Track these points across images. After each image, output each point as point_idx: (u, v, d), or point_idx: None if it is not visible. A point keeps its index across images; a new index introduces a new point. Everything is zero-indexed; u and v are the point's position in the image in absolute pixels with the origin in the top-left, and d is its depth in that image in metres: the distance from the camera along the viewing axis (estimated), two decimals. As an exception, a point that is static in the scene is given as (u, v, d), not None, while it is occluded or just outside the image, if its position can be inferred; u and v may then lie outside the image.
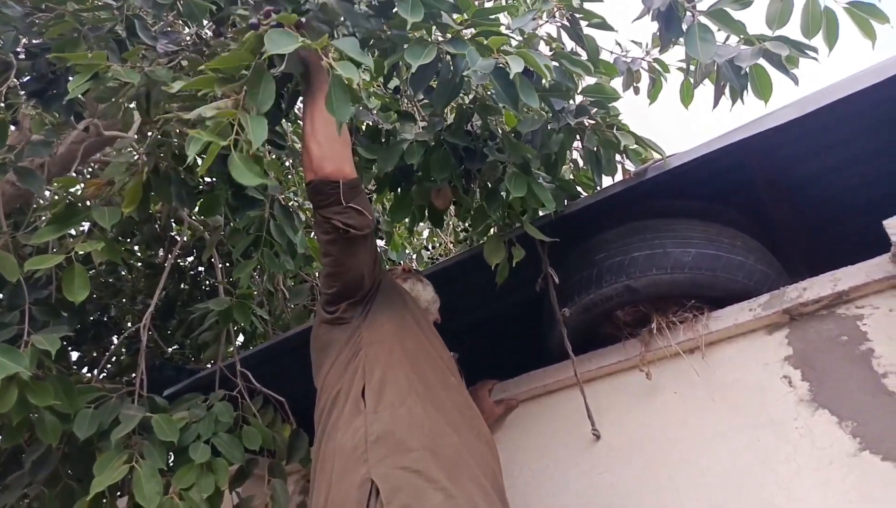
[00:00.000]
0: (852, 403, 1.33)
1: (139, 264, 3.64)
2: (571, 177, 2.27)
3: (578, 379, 1.65)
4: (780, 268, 1.66)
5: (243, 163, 1.26)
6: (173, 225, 3.38)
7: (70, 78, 1.73)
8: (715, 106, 1.99)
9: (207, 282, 3.78)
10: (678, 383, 1.56)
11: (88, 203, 1.94)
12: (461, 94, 2.07)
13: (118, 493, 1.85)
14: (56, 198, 1.99)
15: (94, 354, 3.23)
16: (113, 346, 2.24)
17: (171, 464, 1.79)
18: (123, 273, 3.70)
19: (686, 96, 2.14)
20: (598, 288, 1.63)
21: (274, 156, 2.51)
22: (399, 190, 1.87)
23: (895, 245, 1.31)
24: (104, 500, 1.70)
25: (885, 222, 1.30)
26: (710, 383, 1.52)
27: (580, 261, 1.72)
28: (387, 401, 1.32)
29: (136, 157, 1.98)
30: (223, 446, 1.83)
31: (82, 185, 1.98)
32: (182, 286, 3.71)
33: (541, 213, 1.86)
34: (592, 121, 1.82)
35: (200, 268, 3.82)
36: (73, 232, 2.03)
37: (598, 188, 1.88)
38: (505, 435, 1.79)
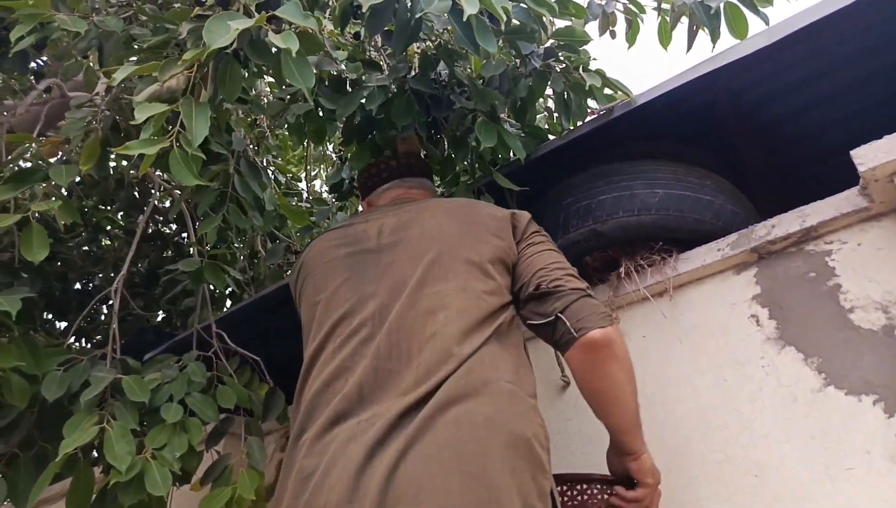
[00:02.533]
0: (818, 339, 1.31)
1: (120, 232, 3.61)
2: (546, 126, 2.22)
3: (548, 326, 1.63)
4: (751, 208, 1.63)
5: (182, 161, 1.24)
6: (152, 191, 3.33)
7: (20, 34, 1.67)
8: (689, 48, 1.93)
9: (191, 250, 3.76)
10: (646, 327, 1.54)
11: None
12: (426, 40, 2.01)
13: (94, 457, 1.85)
14: (11, 157, 1.94)
15: (76, 321, 3.23)
16: (86, 312, 2.20)
17: (145, 426, 1.79)
18: (106, 242, 3.67)
19: (664, 38, 2.08)
20: (565, 234, 1.60)
21: (242, 115, 2.45)
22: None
23: (863, 176, 1.27)
24: (78, 461, 1.70)
25: (852, 152, 1.26)
26: (677, 325, 1.50)
27: (547, 207, 1.68)
28: None
29: (94, 114, 1.93)
30: (196, 405, 1.82)
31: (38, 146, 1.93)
32: (165, 254, 3.69)
33: (511, 159, 1.82)
34: (562, 65, 1.76)
35: (184, 235, 3.79)
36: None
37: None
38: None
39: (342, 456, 0.97)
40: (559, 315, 1.09)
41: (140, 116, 1.16)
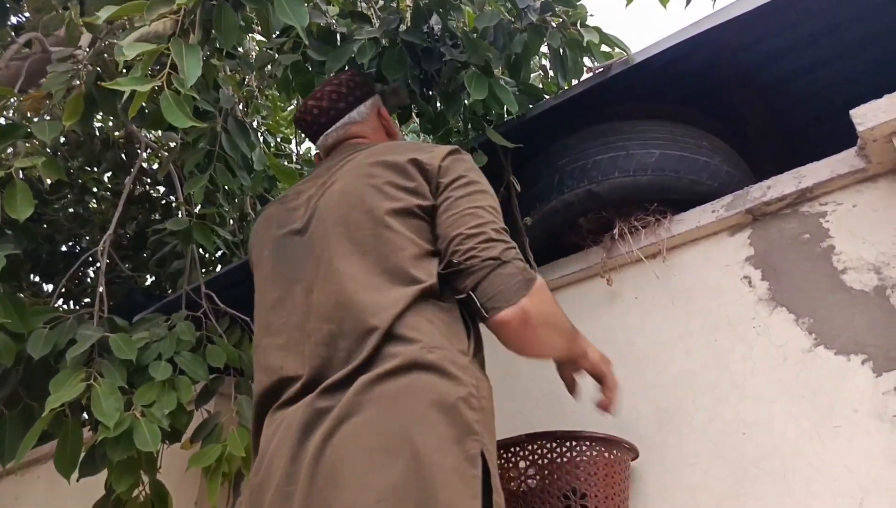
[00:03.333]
0: (810, 300, 1.31)
1: (107, 193, 3.56)
2: (541, 85, 2.18)
3: (540, 288, 1.62)
4: (747, 170, 1.61)
5: (175, 103, 1.20)
6: (139, 152, 3.27)
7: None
8: (687, 3, 1.89)
9: (180, 213, 3.72)
10: (639, 288, 1.54)
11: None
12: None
13: (83, 415, 1.84)
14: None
15: (62, 282, 3.21)
16: (71, 271, 2.17)
17: (133, 385, 1.78)
18: (93, 204, 3.62)
19: (664, -5, 2.03)
20: (560, 195, 1.58)
21: (230, 72, 2.39)
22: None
23: (861, 136, 1.25)
24: (65, 418, 1.69)
25: (851, 112, 1.24)
26: (669, 287, 1.49)
27: (542, 168, 1.66)
28: None
29: (76, 69, 1.87)
30: (185, 364, 1.81)
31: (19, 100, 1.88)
32: (153, 216, 3.64)
33: (506, 119, 1.78)
34: (559, 20, 1.72)
35: (172, 198, 3.74)
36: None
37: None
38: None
39: (283, 443, 0.98)
40: (470, 293, 1.01)
41: (129, 53, 1.11)
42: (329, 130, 1.35)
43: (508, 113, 1.74)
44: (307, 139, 1.41)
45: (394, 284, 1.01)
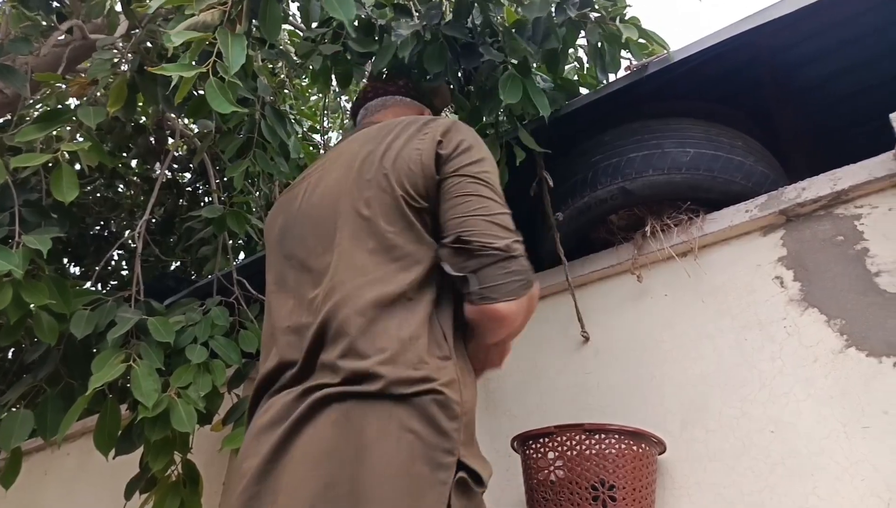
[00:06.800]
0: (842, 302, 1.32)
1: (136, 178, 3.62)
2: (576, 77, 2.19)
3: (570, 283, 1.65)
4: (780, 171, 1.62)
5: (219, 89, 1.23)
6: (169, 139, 3.33)
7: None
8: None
9: (206, 199, 3.77)
10: (669, 286, 1.56)
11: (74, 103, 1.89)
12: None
13: (120, 397, 1.90)
14: (41, 96, 1.93)
15: (97, 268, 3.27)
16: (108, 256, 2.22)
17: (170, 368, 1.83)
18: (121, 189, 3.69)
19: (699, -10, 2.02)
20: (593, 191, 1.60)
21: (264, 60, 2.42)
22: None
23: (900, 140, 1.26)
24: (106, 398, 1.74)
25: (891, 115, 1.25)
26: (700, 285, 1.51)
27: (576, 164, 1.68)
28: None
29: (119, 57, 1.92)
30: (220, 348, 1.86)
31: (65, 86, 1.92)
32: (180, 202, 3.70)
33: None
34: (597, 14, 1.73)
35: (199, 184, 3.80)
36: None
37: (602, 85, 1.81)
38: (496, 339, 1.80)
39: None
40: (469, 275, 1.00)
41: (178, 40, 1.14)
42: (370, 103, 1.38)
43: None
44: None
45: (372, 285, 0.99)
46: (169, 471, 1.78)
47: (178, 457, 1.78)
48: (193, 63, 1.27)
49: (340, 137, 1.31)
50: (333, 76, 1.79)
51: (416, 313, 0.99)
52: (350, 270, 1.01)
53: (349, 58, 1.74)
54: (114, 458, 1.68)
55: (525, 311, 1.03)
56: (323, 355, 0.97)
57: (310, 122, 3.65)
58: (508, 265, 1.00)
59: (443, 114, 1.99)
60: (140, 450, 1.72)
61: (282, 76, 3.18)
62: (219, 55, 1.24)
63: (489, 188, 1.06)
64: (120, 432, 1.69)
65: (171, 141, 3.26)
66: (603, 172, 1.58)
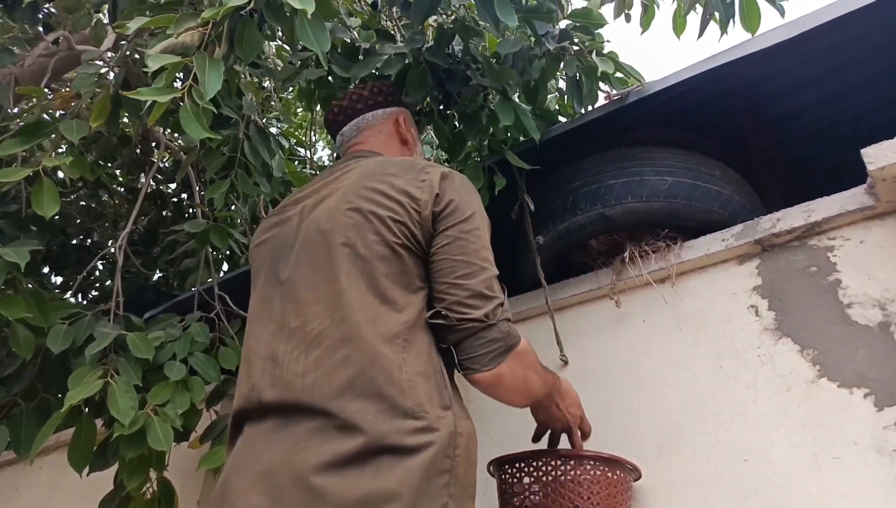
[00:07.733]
0: (815, 332, 1.35)
1: (120, 189, 3.60)
2: (556, 107, 2.23)
3: (549, 306, 1.66)
4: (757, 201, 1.65)
5: (193, 114, 1.22)
6: (154, 149, 3.32)
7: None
8: (700, 35, 1.93)
9: (191, 211, 3.75)
10: (646, 311, 1.57)
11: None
12: (443, 15, 2.00)
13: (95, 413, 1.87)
14: (23, 109, 1.92)
15: (79, 278, 3.25)
16: (89, 268, 2.21)
17: (147, 384, 1.81)
18: (105, 198, 3.66)
19: (678, 26, 2.08)
20: (573, 216, 1.62)
21: (251, 78, 2.43)
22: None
23: (871, 175, 1.29)
24: (81, 413, 1.72)
25: (863, 151, 1.28)
26: (677, 312, 1.53)
27: (556, 189, 1.70)
28: None
29: (104, 70, 1.91)
30: (199, 365, 1.84)
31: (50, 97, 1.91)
32: (164, 213, 3.68)
33: (520, 140, 1.82)
34: (576, 48, 1.76)
35: (183, 196, 3.78)
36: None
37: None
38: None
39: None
40: (452, 347, 1.04)
41: (153, 65, 1.15)
42: (344, 128, 1.38)
43: (524, 135, 1.78)
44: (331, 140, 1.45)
45: (362, 330, 0.99)
46: (144, 489, 1.77)
47: (153, 475, 1.76)
48: (173, 83, 1.28)
49: (332, 164, 1.30)
50: (316, 98, 1.80)
51: (412, 354, 1.00)
52: (342, 309, 1.02)
53: (332, 81, 1.76)
54: (87, 475, 1.66)
55: (515, 372, 1.06)
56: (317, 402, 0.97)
57: (296, 137, 3.66)
58: (486, 334, 1.03)
59: (423, 132, 2.01)
60: (115, 467, 1.70)
61: (268, 88, 3.19)
62: (196, 79, 1.24)
63: (476, 246, 1.08)
64: (95, 448, 1.67)
65: (156, 152, 3.25)
66: (583, 198, 1.60)
